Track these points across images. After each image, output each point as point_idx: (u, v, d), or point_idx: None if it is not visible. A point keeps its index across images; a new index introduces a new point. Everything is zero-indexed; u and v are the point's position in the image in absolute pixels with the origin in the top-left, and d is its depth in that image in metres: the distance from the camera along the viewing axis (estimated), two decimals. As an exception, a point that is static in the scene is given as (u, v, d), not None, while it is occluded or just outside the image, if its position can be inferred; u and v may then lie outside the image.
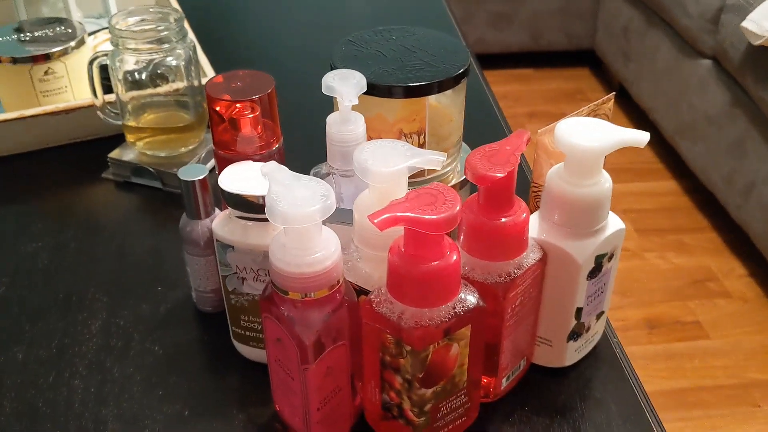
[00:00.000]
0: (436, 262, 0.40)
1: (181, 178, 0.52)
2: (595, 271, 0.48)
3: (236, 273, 0.49)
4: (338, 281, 0.42)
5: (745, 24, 1.36)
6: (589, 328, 0.52)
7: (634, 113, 2.03)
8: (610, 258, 0.49)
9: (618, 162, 1.88)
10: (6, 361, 0.54)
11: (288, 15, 1.11)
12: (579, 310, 0.50)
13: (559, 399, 0.51)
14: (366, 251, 0.45)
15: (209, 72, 0.81)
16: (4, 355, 0.55)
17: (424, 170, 0.56)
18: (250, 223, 0.47)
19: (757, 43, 1.34)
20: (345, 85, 0.46)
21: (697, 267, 1.55)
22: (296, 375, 0.43)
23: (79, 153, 0.77)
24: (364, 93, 0.49)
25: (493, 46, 2.26)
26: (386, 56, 0.54)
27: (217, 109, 0.47)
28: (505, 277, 0.45)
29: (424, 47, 0.56)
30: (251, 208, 0.46)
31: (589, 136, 0.44)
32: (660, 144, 1.89)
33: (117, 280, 0.62)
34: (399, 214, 0.38)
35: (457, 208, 0.38)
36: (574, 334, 0.51)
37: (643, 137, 0.44)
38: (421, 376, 0.42)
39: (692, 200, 1.74)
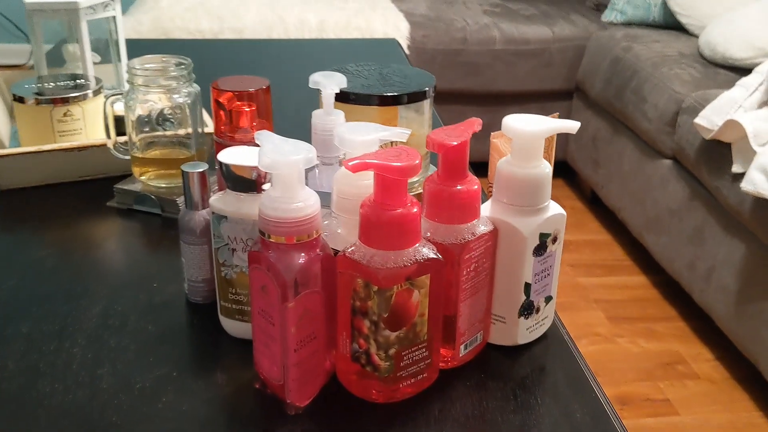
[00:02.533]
0: (399, 209, 0.47)
1: (183, 170, 0.60)
2: (540, 248, 0.56)
3: (227, 244, 0.56)
4: (316, 232, 0.49)
5: (697, 120, 1.49)
6: (538, 309, 0.59)
7: (605, 214, 2.14)
8: (554, 240, 0.57)
9: (591, 259, 1.97)
10: (12, 333, 0.60)
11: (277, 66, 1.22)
12: (528, 286, 0.56)
13: (513, 369, 0.57)
14: (343, 217, 0.52)
15: (208, 120, 0.90)
16: (11, 329, 0.60)
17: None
18: (242, 195, 0.54)
19: (709, 137, 1.47)
20: (327, 78, 0.55)
21: (666, 351, 1.60)
22: (277, 319, 0.50)
23: (88, 188, 0.85)
24: (345, 102, 0.58)
25: (476, 156, 2.40)
26: (366, 78, 0.64)
27: (221, 100, 0.56)
28: (460, 240, 0.52)
29: (397, 73, 0.65)
30: (244, 180, 0.53)
31: (530, 124, 0.53)
32: (629, 241, 1.99)
33: (117, 277, 0.68)
34: (369, 160, 0.46)
35: (417, 161, 0.46)
36: (525, 311, 0.57)
37: (573, 125, 0.53)
38: (386, 316, 0.49)
39: (661, 293, 1.82)
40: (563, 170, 2.40)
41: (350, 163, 0.45)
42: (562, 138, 2.36)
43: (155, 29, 2.00)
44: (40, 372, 0.55)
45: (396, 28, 2.12)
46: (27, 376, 0.55)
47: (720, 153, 1.50)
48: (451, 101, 2.24)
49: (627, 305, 1.77)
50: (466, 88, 2.24)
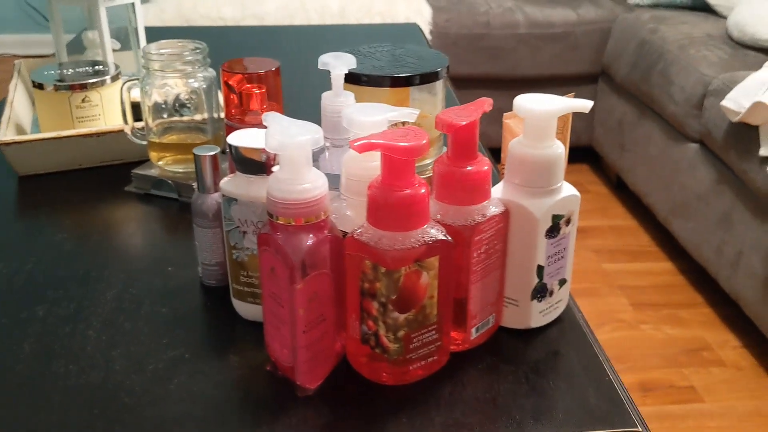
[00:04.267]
0: (407, 190, 0.47)
1: (196, 153, 0.60)
2: (553, 230, 0.55)
3: (238, 227, 0.56)
4: (324, 214, 0.49)
5: (724, 103, 1.46)
6: (552, 293, 0.58)
7: (630, 200, 2.12)
8: (567, 222, 0.56)
9: (615, 244, 1.95)
10: (28, 317, 0.60)
11: (296, 51, 1.22)
12: (540, 269, 0.56)
13: (526, 353, 0.56)
14: (351, 198, 0.52)
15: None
16: (27, 312, 0.61)
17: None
18: (252, 178, 0.54)
19: (736, 119, 1.44)
20: (337, 59, 0.55)
21: (691, 338, 1.58)
22: (286, 301, 0.50)
23: (106, 173, 0.85)
24: (356, 83, 0.57)
25: (495, 142, 2.38)
26: (378, 59, 0.63)
27: (231, 83, 0.56)
28: (470, 221, 0.51)
29: (410, 54, 0.65)
30: (253, 162, 0.53)
31: (542, 103, 0.52)
32: (655, 226, 1.96)
33: (132, 262, 0.69)
34: (375, 140, 0.45)
35: (424, 141, 0.46)
36: (538, 294, 0.57)
37: (586, 104, 0.52)
38: (394, 298, 0.48)
39: (687, 279, 1.79)
40: (588, 155, 2.37)
41: (356, 144, 0.45)
42: (588, 122, 2.33)
43: (178, 17, 2.01)
44: (55, 354, 0.56)
45: (418, 12, 2.10)
46: (42, 358, 0.56)
47: (748, 136, 1.47)
48: (474, 86, 2.22)
49: (652, 291, 1.75)
50: (489, 73, 2.22)
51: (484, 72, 2.22)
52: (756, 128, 1.43)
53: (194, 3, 2.04)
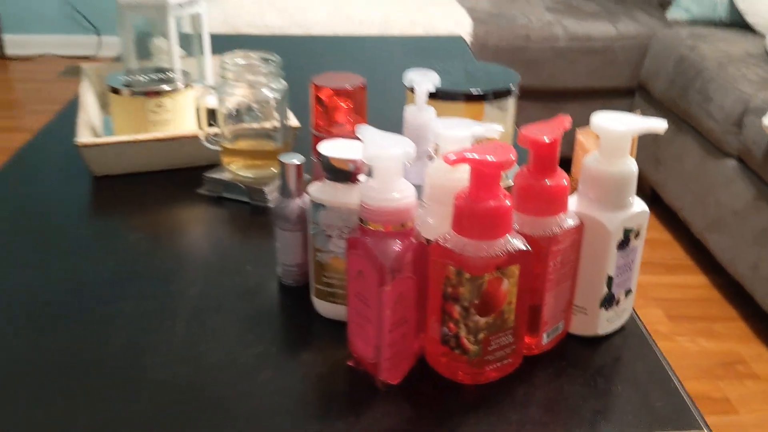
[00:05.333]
0: (492, 202, 0.50)
1: (281, 161, 0.63)
2: (624, 243, 0.58)
3: (324, 231, 0.59)
4: (412, 222, 0.52)
5: (766, 121, 1.48)
6: (618, 301, 0.61)
7: (665, 213, 2.13)
8: (637, 235, 0.59)
9: (650, 257, 1.96)
10: (115, 311, 0.64)
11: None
12: (610, 280, 0.59)
13: (594, 359, 0.59)
14: (434, 208, 0.55)
15: (291, 114, 0.94)
16: (113, 307, 0.64)
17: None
18: (339, 185, 0.58)
19: (778, 138, 1.46)
20: (422, 76, 0.58)
21: (726, 351, 1.59)
22: (373, 302, 0.53)
23: (177, 176, 0.89)
24: (432, 98, 0.61)
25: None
26: (451, 74, 0.67)
27: (320, 96, 0.59)
28: (549, 233, 0.54)
29: (482, 70, 0.68)
30: (342, 171, 0.57)
31: (618, 123, 0.55)
32: (690, 241, 1.97)
33: (210, 261, 0.73)
34: (466, 154, 0.49)
35: (512, 155, 0.49)
36: (606, 302, 0.59)
37: (661, 124, 0.55)
38: (476, 302, 0.51)
39: (722, 293, 1.80)
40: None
41: (450, 158, 0.48)
42: (622, 136, 2.35)
43: (224, 24, 2.06)
44: (143, 348, 0.59)
45: (458, 24, 2.14)
46: (130, 352, 0.59)
47: (788, 154, 1.48)
48: (511, 97, 2.25)
49: (687, 304, 1.76)
50: (528, 85, 2.25)
51: (523, 84, 2.24)
52: (797, 146, 1.45)
53: (239, 11, 2.09)
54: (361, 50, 1.48)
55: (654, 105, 2.18)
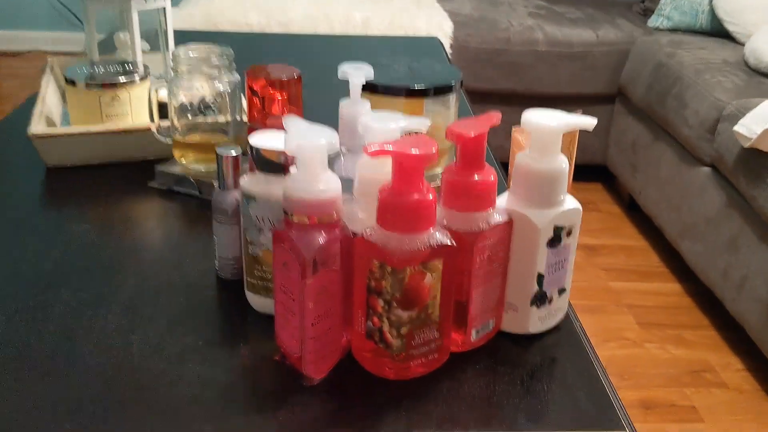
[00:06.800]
0: (415, 195, 0.50)
1: (218, 152, 0.63)
2: (555, 241, 0.58)
3: (255, 224, 0.59)
4: (337, 214, 0.52)
5: (737, 128, 1.49)
6: (551, 300, 0.60)
7: (642, 220, 2.13)
8: (569, 233, 0.59)
9: (625, 264, 1.97)
10: (53, 299, 0.64)
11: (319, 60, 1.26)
12: (540, 277, 0.58)
13: (523, 357, 0.59)
14: (364, 201, 0.55)
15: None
16: (53, 295, 0.64)
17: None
18: (271, 177, 0.57)
19: (747, 145, 1.46)
20: (356, 69, 0.58)
21: (695, 359, 1.60)
22: (296, 294, 0.53)
23: (130, 169, 0.89)
24: (374, 93, 0.61)
25: (502, 153, 2.41)
26: (396, 71, 0.67)
27: (254, 87, 0.59)
28: (475, 228, 0.54)
29: (427, 68, 0.68)
30: (272, 163, 0.56)
31: (548, 119, 0.55)
32: (665, 248, 1.98)
33: (153, 253, 0.72)
34: (387, 146, 0.48)
35: (433, 149, 0.49)
36: (537, 300, 0.59)
37: (591, 121, 0.55)
38: (398, 296, 0.51)
39: (694, 301, 1.81)
40: (603, 174, 2.39)
41: (370, 149, 0.48)
42: (603, 142, 2.35)
43: (206, 21, 2.06)
44: (76, 336, 0.59)
45: (440, 26, 2.14)
46: (65, 339, 0.59)
47: (758, 162, 1.49)
48: (492, 101, 2.25)
49: (658, 312, 1.76)
50: (507, 89, 2.25)
51: (503, 88, 2.25)
52: (767, 154, 1.45)
53: (221, 8, 2.09)
54: (332, 49, 1.48)
55: (633, 111, 2.19)
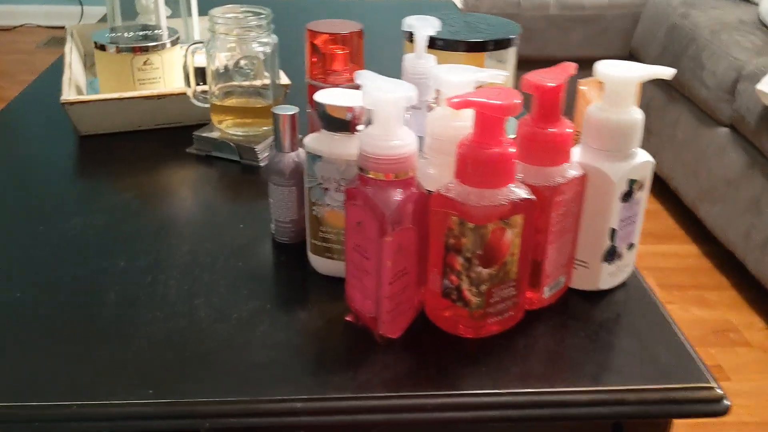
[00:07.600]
0: (497, 149, 0.48)
1: (275, 113, 0.61)
2: (628, 195, 0.56)
3: (320, 183, 0.57)
4: (412, 171, 0.50)
5: (759, 87, 1.47)
6: (621, 255, 0.59)
7: (656, 184, 2.12)
8: (641, 187, 0.57)
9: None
10: (109, 266, 0.62)
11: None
12: (613, 232, 0.57)
13: (596, 313, 0.58)
14: (435, 158, 0.54)
15: (282, 74, 0.92)
16: (108, 262, 0.63)
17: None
18: (337, 136, 0.56)
19: (772, 104, 1.45)
20: (421, 21, 0.56)
21: (718, 319, 1.60)
22: (372, 253, 0.51)
23: (165, 135, 0.87)
24: (432, 48, 0.59)
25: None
26: (452, 25, 0.65)
27: (316, 43, 0.57)
28: (552, 182, 0.53)
29: (482, 21, 0.66)
30: (339, 120, 0.55)
31: (623, 69, 0.54)
32: (680, 211, 1.97)
33: (202, 219, 0.71)
34: (471, 98, 0.47)
35: (517, 100, 0.47)
36: (608, 256, 0.58)
37: (668, 71, 0.53)
38: (479, 253, 0.50)
39: (713, 263, 1.80)
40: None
41: (454, 100, 0.47)
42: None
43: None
44: (140, 302, 0.58)
45: (449, -9, 2.10)
46: (127, 306, 0.58)
47: (782, 121, 1.47)
48: (502, 67, 2.23)
49: (678, 273, 1.76)
50: (519, 53, 2.23)
51: (513, 53, 2.22)
52: (791, 113, 1.44)
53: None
54: (351, 9, 1.45)
55: (645, 74, 2.17)
